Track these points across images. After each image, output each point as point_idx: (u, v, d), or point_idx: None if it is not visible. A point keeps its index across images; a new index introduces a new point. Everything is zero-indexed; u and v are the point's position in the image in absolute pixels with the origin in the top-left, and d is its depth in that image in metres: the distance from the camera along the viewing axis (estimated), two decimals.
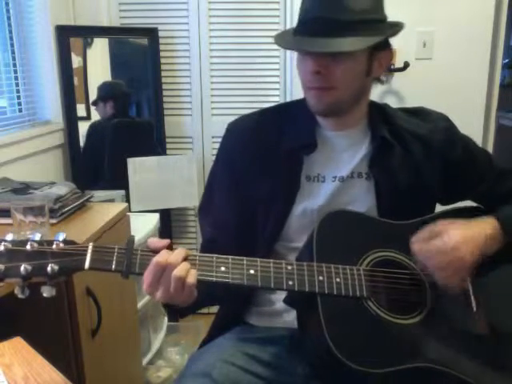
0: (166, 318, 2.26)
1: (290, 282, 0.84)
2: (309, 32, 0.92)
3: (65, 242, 0.79)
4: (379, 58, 0.98)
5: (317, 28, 0.91)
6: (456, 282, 0.90)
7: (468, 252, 0.89)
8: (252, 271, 0.84)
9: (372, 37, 0.91)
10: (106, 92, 2.31)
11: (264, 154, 1.04)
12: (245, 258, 0.85)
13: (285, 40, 0.99)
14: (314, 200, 1.02)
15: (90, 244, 0.79)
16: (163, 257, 0.79)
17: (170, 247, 0.83)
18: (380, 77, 1.04)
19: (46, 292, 0.76)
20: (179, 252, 0.81)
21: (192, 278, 0.79)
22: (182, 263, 0.80)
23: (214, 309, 1.16)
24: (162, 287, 0.79)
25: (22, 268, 0.74)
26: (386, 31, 0.95)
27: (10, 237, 0.77)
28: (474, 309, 0.91)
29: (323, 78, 0.94)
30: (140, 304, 1.83)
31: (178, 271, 0.78)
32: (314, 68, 0.93)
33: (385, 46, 0.98)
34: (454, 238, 0.89)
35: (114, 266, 0.79)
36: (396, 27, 0.97)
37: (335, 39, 0.89)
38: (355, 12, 0.90)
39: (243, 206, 1.04)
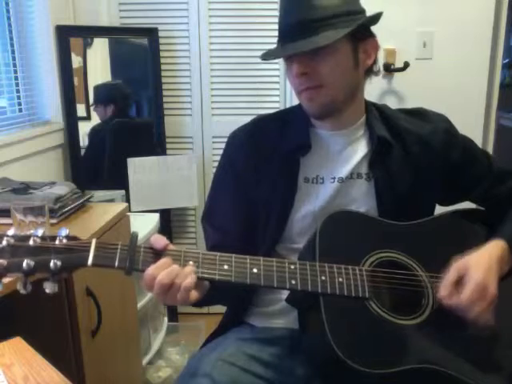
0: (165, 318, 2.26)
1: (293, 282, 0.84)
2: (287, 38, 0.94)
3: (68, 237, 0.78)
4: (364, 48, 0.98)
5: (293, 32, 0.92)
6: (490, 318, 0.88)
7: (493, 287, 0.88)
8: (255, 270, 0.83)
9: (346, 28, 0.91)
10: (105, 95, 2.31)
11: (264, 158, 1.04)
12: (248, 256, 0.84)
13: (268, 52, 0.99)
14: (313, 202, 1.02)
15: (93, 240, 0.79)
16: (168, 277, 0.79)
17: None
18: (373, 68, 1.02)
19: (49, 288, 0.75)
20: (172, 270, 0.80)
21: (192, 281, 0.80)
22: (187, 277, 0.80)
23: (215, 309, 1.16)
24: (171, 298, 0.80)
25: (25, 263, 0.73)
26: (361, 20, 0.94)
27: (11, 232, 0.76)
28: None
29: (310, 78, 0.94)
30: (140, 304, 1.83)
31: (182, 291, 0.79)
32: (298, 70, 0.94)
33: (366, 36, 0.98)
34: (479, 279, 0.87)
35: (117, 263, 0.78)
36: (371, 15, 0.96)
37: (311, 38, 0.90)
38: (326, 8, 0.91)
39: (246, 209, 1.04)
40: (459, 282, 0.88)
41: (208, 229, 1.09)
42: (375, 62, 1.01)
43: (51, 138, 2.09)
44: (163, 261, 0.80)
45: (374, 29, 1.00)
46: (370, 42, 0.99)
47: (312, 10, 0.91)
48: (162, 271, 0.78)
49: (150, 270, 0.79)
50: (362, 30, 0.96)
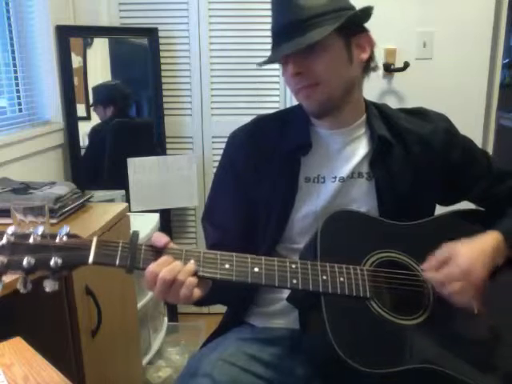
0: (165, 318, 2.26)
1: (294, 281, 0.84)
2: (280, 40, 0.95)
3: (68, 235, 0.78)
4: (357, 43, 0.98)
5: (284, 33, 0.93)
6: (471, 303, 0.89)
7: (479, 272, 0.89)
8: (256, 269, 0.83)
9: (334, 24, 0.91)
10: (105, 95, 2.31)
11: (264, 158, 1.04)
12: (249, 255, 0.85)
13: (264, 60, 0.99)
14: (314, 201, 1.02)
15: (94, 238, 0.79)
16: (169, 274, 0.79)
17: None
18: (370, 64, 1.02)
19: (49, 286, 0.75)
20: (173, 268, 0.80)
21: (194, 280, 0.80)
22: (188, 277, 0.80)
23: (215, 309, 1.16)
24: (173, 295, 0.80)
25: (25, 261, 0.73)
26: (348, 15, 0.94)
27: (12, 229, 0.76)
28: (475, 311, 0.91)
29: (305, 77, 0.95)
30: (140, 304, 1.83)
31: (184, 288, 0.79)
32: (293, 70, 0.95)
33: (358, 30, 0.98)
34: (464, 261, 0.88)
35: (118, 261, 0.78)
36: (361, 8, 0.96)
37: (302, 36, 0.91)
38: (313, 7, 0.92)
39: (246, 209, 1.05)
40: (445, 263, 0.89)
41: (208, 228, 1.09)
42: (371, 57, 1.01)
43: (51, 138, 2.09)
44: (164, 258, 0.80)
45: (375, 28, 1.00)
46: (363, 36, 0.99)
47: (301, 11, 0.92)
48: (163, 268, 0.78)
49: (152, 267, 0.79)
50: (353, 26, 0.96)
